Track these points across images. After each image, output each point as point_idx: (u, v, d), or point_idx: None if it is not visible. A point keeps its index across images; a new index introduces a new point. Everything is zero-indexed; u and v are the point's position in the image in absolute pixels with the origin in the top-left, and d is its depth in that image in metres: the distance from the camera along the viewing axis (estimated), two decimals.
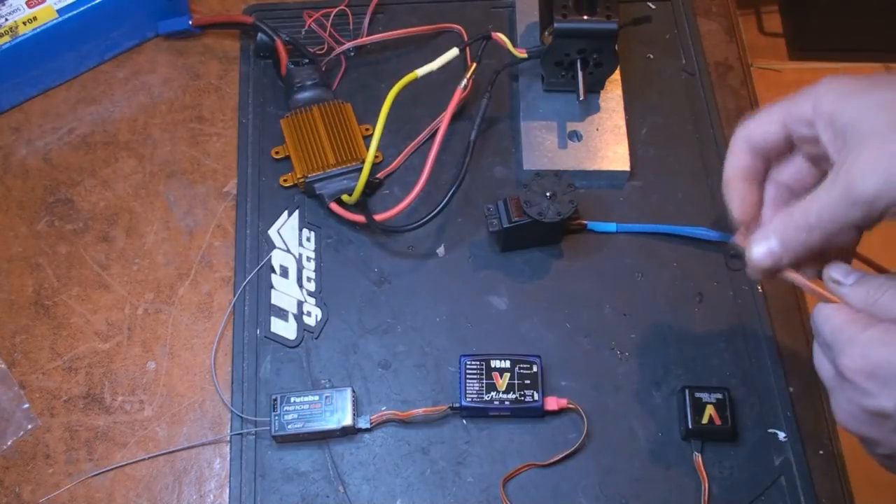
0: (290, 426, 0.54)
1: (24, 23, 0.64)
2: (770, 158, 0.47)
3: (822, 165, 0.46)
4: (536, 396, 0.55)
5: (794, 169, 0.47)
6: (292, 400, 0.55)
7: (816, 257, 0.44)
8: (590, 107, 0.65)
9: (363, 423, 0.55)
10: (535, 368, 0.55)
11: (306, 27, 0.68)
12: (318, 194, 0.62)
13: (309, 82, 0.65)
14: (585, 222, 0.62)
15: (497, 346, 0.58)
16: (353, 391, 0.56)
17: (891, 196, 0.39)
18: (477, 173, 0.64)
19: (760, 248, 0.44)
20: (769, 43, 1.64)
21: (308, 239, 0.62)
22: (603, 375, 0.57)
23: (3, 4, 0.64)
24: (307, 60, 0.66)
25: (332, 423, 0.54)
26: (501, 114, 0.67)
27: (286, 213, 0.63)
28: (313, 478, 0.55)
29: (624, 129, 0.64)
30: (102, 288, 0.61)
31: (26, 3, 0.65)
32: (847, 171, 0.40)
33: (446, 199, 0.59)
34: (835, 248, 0.44)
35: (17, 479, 0.55)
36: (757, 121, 0.46)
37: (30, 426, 0.57)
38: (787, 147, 0.46)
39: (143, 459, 0.56)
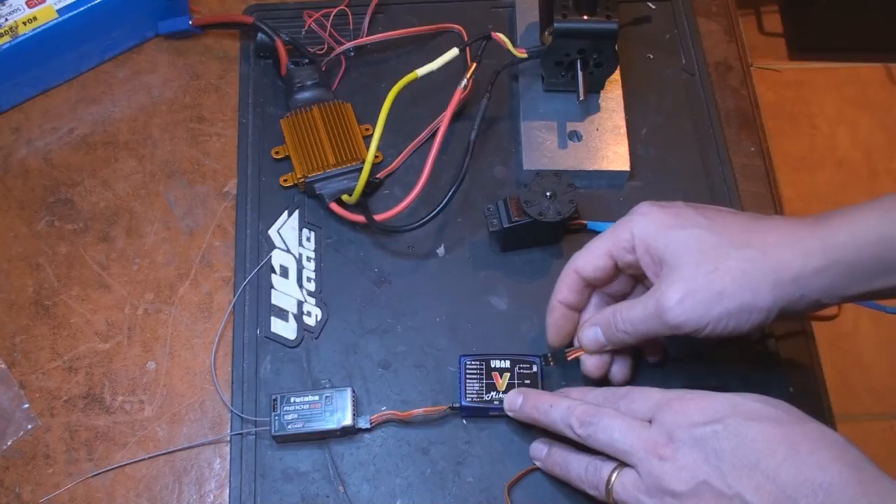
0: (290, 426, 0.54)
1: (24, 23, 0.64)
2: (598, 286, 0.54)
3: (643, 283, 0.54)
4: None
5: (618, 286, 0.55)
6: (292, 400, 0.55)
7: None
8: (590, 107, 0.65)
9: (363, 423, 0.55)
10: (534, 368, 0.55)
11: (306, 27, 0.68)
12: (318, 194, 0.62)
13: (309, 82, 0.65)
14: (585, 222, 0.62)
15: (497, 346, 0.58)
16: (353, 391, 0.56)
17: (691, 326, 0.48)
18: (477, 173, 0.64)
19: (588, 333, 0.53)
20: (769, 43, 1.64)
21: (308, 239, 0.62)
22: None
23: (3, 4, 0.64)
24: (307, 60, 0.66)
25: (332, 423, 0.54)
26: (501, 114, 0.67)
27: (286, 213, 0.63)
28: (313, 478, 0.55)
29: (624, 129, 0.64)
30: (102, 288, 0.61)
31: (26, 3, 0.65)
32: (660, 297, 0.48)
33: (446, 199, 0.59)
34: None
35: (17, 479, 0.55)
36: (586, 255, 0.53)
37: (30, 426, 0.57)
38: (614, 274, 0.53)
39: (143, 459, 0.56)
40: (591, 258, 0.53)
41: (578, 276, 0.53)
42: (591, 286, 0.54)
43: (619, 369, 0.55)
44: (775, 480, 0.41)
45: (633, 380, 0.56)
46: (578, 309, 0.55)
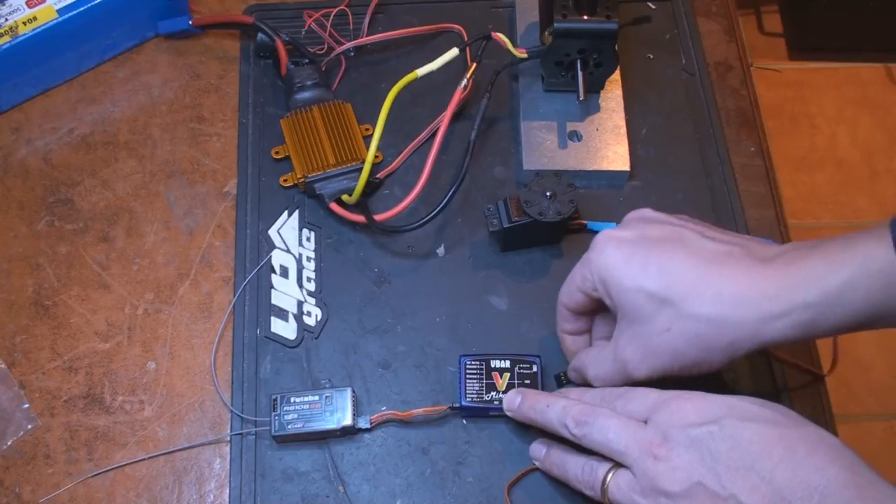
0: (290, 426, 0.54)
1: (24, 23, 0.64)
2: (588, 312, 0.54)
3: None
4: None
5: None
6: (292, 400, 0.55)
7: None
8: (590, 107, 0.65)
9: (363, 423, 0.55)
10: (534, 368, 0.55)
11: (306, 27, 0.68)
12: (318, 194, 0.62)
13: (309, 82, 0.65)
14: (585, 222, 0.62)
15: (497, 346, 0.58)
16: (353, 391, 0.56)
17: (657, 377, 0.48)
18: (477, 173, 0.64)
19: (573, 372, 0.55)
20: (769, 43, 1.64)
21: (308, 239, 0.62)
22: None
23: (3, 4, 0.64)
24: (307, 60, 0.66)
25: (332, 423, 0.54)
26: (501, 114, 0.67)
27: (286, 213, 0.63)
28: (313, 478, 0.55)
29: (624, 129, 0.64)
30: (102, 288, 0.61)
31: (26, 3, 0.65)
32: (621, 355, 0.49)
33: (446, 199, 0.59)
34: None
35: (17, 479, 0.55)
36: (564, 289, 0.54)
37: (30, 426, 0.57)
38: (595, 304, 0.53)
39: (143, 459, 0.56)
40: (568, 292, 0.53)
41: (565, 309, 0.54)
42: (583, 314, 0.55)
43: None
44: (771, 482, 0.41)
45: None
46: (585, 332, 0.55)
